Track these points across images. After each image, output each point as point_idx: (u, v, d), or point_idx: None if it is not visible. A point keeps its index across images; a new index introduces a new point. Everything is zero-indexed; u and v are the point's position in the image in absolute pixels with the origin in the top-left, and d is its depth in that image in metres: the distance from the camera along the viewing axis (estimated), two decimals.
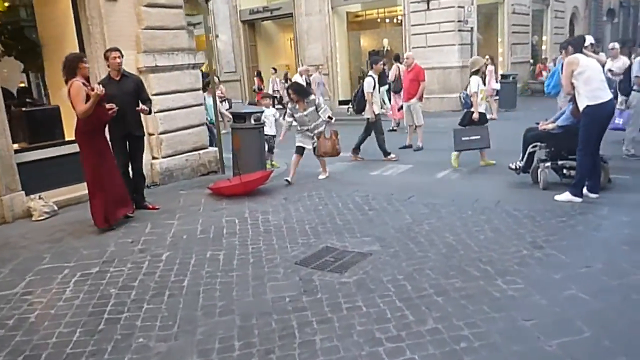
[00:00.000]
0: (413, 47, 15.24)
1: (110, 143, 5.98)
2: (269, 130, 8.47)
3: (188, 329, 3.51)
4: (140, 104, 6.10)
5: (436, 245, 4.69)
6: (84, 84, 5.45)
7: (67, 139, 6.86)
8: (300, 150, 7.63)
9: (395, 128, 12.58)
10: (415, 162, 8.72)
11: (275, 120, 8.86)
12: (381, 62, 9.52)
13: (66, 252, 5.08)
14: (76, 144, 5.71)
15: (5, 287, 4.34)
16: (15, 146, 6.49)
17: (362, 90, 8.88)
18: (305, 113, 7.47)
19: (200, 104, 8.38)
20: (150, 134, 7.76)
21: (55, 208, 6.43)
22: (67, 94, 5.43)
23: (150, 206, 6.48)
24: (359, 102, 8.95)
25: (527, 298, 3.57)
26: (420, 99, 9.61)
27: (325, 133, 7.58)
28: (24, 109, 7.07)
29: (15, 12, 7.66)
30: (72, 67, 5.41)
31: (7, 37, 7.67)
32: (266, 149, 8.26)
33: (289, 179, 7.46)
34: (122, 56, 6.03)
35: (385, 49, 16.44)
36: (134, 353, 3.26)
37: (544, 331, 3.13)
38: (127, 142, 6.19)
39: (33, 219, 6.25)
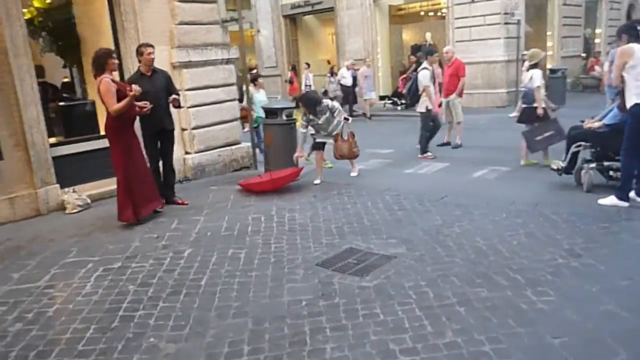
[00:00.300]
0: (456, 41, 14.77)
1: (142, 138, 6.03)
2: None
3: (199, 331, 3.44)
4: (173, 95, 6.13)
5: (465, 250, 4.45)
6: (112, 80, 5.49)
7: (101, 133, 6.95)
8: (320, 146, 7.42)
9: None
10: (453, 160, 8.40)
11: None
12: (436, 54, 8.99)
13: (92, 246, 5.13)
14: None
15: (29, 280, 4.41)
16: (52, 140, 6.65)
17: (417, 83, 8.46)
18: (320, 121, 7.27)
19: (233, 99, 8.34)
20: (182, 129, 7.81)
21: (89, 201, 6.54)
22: (97, 90, 5.48)
23: (180, 201, 6.50)
24: (413, 95, 8.55)
25: (558, 312, 3.29)
26: (460, 94, 9.24)
27: (343, 134, 7.38)
28: (61, 103, 7.22)
29: (56, 9, 7.82)
30: (101, 63, 5.43)
31: (48, 33, 7.85)
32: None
33: (317, 181, 7.29)
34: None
35: (427, 42, 15.98)
36: (143, 353, 3.22)
37: (574, 351, 2.86)
38: (159, 137, 6.21)
39: (66, 212, 6.38)
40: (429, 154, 8.60)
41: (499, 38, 14.20)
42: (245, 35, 23.09)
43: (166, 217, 5.97)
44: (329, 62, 20.02)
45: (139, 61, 6.03)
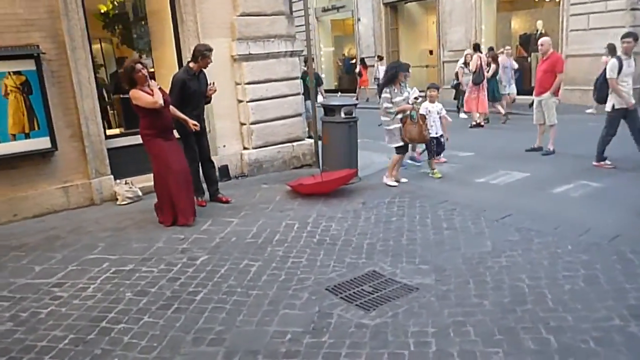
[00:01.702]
0: (571, 30, 13.06)
1: (181, 139, 5.89)
2: (431, 129, 7.19)
3: (165, 357, 3.15)
4: (212, 85, 6.04)
5: (501, 290, 3.68)
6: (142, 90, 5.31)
7: None
8: (403, 150, 6.93)
9: (482, 123, 11.67)
10: (537, 169, 7.29)
11: (440, 117, 7.47)
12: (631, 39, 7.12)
13: (118, 244, 5.10)
14: None
15: (45, 275, 4.45)
16: (109, 132, 6.80)
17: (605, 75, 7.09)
18: (402, 97, 6.71)
19: (297, 94, 7.98)
20: (241, 124, 7.64)
21: (140, 194, 6.60)
22: (131, 105, 5.40)
23: (224, 199, 6.31)
24: (600, 89, 7.25)
25: None
26: (556, 93, 7.99)
27: (412, 116, 6.71)
28: (121, 96, 7.37)
29: (129, 2, 8.01)
30: (129, 78, 5.27)
31: (122, 27, 8.08)
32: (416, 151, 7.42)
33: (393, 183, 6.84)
34: None
35: (538, 32, 14.33)
36: None
37: None
38: (196, 137, 6.03)
39: (117, 203, 6.49)
40: (607, 162, 7.10)
41: (622, 27, 12.25)
42: (345, 23, 22.80)
43: (203, 216, 5.80)
44: (431, 53, 18.96)
45: (196, 61, 5.84)
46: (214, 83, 6.03)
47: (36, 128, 5.89)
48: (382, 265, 4.31)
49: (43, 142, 5.95)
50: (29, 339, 3.43)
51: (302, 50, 8.02)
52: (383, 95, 6.74)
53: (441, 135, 7.48)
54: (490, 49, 13.06)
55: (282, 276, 4.19)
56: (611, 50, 10.09)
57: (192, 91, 5.83)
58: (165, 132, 5.50)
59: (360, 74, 19.35)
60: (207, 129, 6.97)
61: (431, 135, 7.11)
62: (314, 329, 3.36)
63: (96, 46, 8.16)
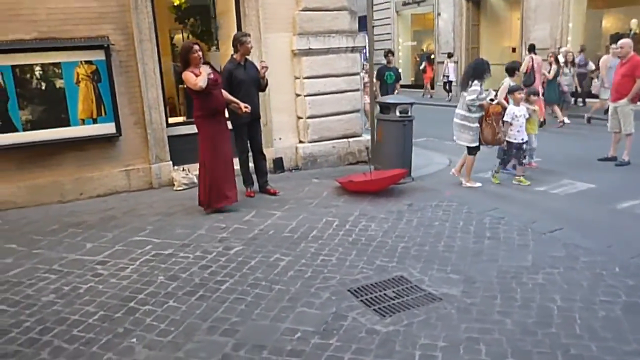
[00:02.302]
0: None
1: (233, 130, 6.05)
2: (518, 134, 6.80)
3: (179, 342, 3.28)
4: (263, 63, 6.16)
5: (528, 309, 3.46)
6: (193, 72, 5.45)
7: None
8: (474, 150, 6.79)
9: None
10: (604, 181, 6.76)
11: (527, 119, 6.96)
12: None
13: (164, 228, 5.36)
14: None
15: (94, 252, 4.78)
16: (171, 120, 7.13)
17: None
18: (484, 95, 6.61)
19: (356, 90, 7.92)
20: (298, 117, 7.72)
21: (195, 181, 6.83)
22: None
23: (272, 190, 6.43)
24: None
25: None
26: (635, 100, 7.34)
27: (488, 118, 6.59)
28: (185, 86, 7.67)
29: None
30: (185, 59, 5.45)
31: (194, 20, 8.41)
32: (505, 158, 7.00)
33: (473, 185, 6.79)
34: None
35: (632, 31, 13.19)
36: (116, 353, 3.18)
37: None
38: (248, 127, 6.18)
39: (174, 188, 6.82)
40: None
41: None
42: (425, 18, 22.26)
43: (248, 206, 5.96)
44: (513, 51, 18.06)
45: (237, 50, 6.01)
46: (263, 60, 6.09)
47: (103, 114, 6.33)
48: (411, 270, 4.20)
49: (108, 128, 6.38)
50: (65, 312, 3.71)
51: (364, 47, 7.94)
52: (473, 87, 6.50)
53: (523, 143, 6.89)
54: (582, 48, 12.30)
55: (308, 273, 4.21)
56: None
57: (239, 80, 5.96)
58: (216, 114, 5.61)
59: (424, 71, 19.58)
60: (263, 122, 7.13)
61: (517, 141, 6.77)
62: (324, 330, 3.35)
63: (165, 38, 8.52)
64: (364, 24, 7.82)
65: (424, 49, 22.32)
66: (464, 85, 6.63)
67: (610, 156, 7.73)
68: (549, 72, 11.34)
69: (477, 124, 6.64)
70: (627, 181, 6.68)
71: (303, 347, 3.17)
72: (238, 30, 7.17)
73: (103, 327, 3.48)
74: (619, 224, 5.15)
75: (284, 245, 4.80)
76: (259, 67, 6.19)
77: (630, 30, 13.28)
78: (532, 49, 11.98)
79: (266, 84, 6.30)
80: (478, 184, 6.78)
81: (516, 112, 6.82)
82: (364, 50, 8.64)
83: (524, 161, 7.03)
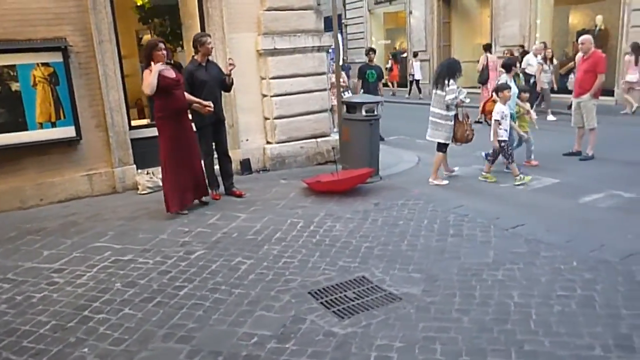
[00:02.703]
0: (632, 26, 12.15)
1: (197, 132, 5.96)
2: (505, 133, 6.71)
3: (133, 350, 3.20)
4: (230, 60, 6.03)
5: (486, 306, 3.47)
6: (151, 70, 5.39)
7: None
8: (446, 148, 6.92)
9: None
10: (568, 175, 6.84)
11: (518, 117, 7.04)
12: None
13: (126, 233, 5.25)
14: None
15: (50, 260, 4.66)
16: (135, 122, 7.00)
17: None
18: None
19: (323, 89, 7.89)
20: (265, 118, 7.66)
21: (160, 184, 6.74)
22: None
23: (237, 192, 6.36)
24: None
25: None
26: (596, 95, 7.45)
27: (459, 116, 6.75)
28: None
29: None
30: (147, 54, 5.43)
31: (159, 20, 8.28)
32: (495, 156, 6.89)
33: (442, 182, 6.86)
34: None
35: (597, 27, 13.43)
36: None
37: None
38: (213, 129, 6.09)
39: (138, 192, 6.70)
40: None
41: None
42: (398, 16, 22.36)
43: (213, 209, 5.89)
44: (485, 49, 18.24)
45: (197, 50, 5.92)
46: (231, 58, 5.99)
47: (62, 117, 6.17)
48: (373, 270, 4.18)
49: (68, 131, 6.23)
50: (16, 322, 3.60)
51: (330, 46, 7.91)
52: (451, 87, 6.53)
53: (506, 141, 6.78)
54: (544, 45, 12.47)
55: (269, 276, 4.16)
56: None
57: (200, 81, 5.87)
58: (178, 115, 5.56)
59: (391, 69, 20.19)
60: (230, 123, 7.06)
61: (504, 139, 6.73)
62: (282, 333, 3.31)
63: (132, 39, 8.37)
64: (330, 24, 7.77)
65: (397, 47, 22.44)
66: (439, 84, 6.64)
67: (575, 151, 7.83)
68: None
69: (452, 122, 6.70)
70: (590, 175, 6.76)
71: (259, 352, 3.12)
72: (202, 30, 7.08)
73: (55, 337, 3.38)
74: (581, 218, 5.20)
75: (247, 248, 4.74)
76: (225, 66, 6.11)
77: (596, 26, 13.52)
78: (487, 48, 12.97)
79: (231, 84, 6.20)
80: (445, 182, 6.82)
81: (505, 110, 6.75)
82: (330, 50, 8.60)
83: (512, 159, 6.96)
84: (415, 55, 18.49)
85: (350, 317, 3.46)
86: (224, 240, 4.97)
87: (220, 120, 6.11)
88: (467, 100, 6.84)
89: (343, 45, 25.92)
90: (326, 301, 3.72)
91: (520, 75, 10.59)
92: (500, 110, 6.72)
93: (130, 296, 3.91)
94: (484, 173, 6.94)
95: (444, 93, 6.55)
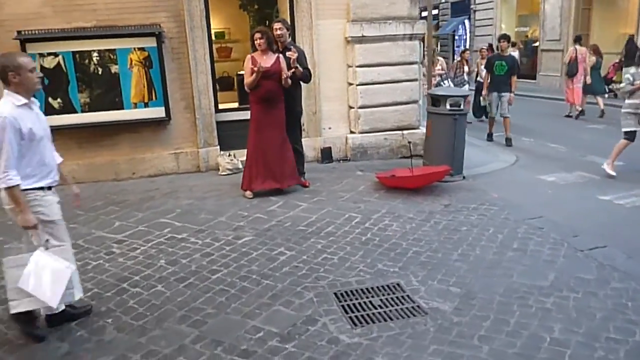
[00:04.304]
0: None
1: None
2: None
3: (147, 327, 3.36)
4: (285, 70, 5.71)
5: (516, 337, 3.06)
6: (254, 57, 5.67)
7: None
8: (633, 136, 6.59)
9: (571, 114, 11.84)
10: None
11: None
12: None
13: (190, 212, 5.52)
14: None
15: (117, 231, 5.07)
16: (222, 106, 7.28)
17: None
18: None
19: (414, 80, 7.51)
20: (350, 107, 7.51)
21: (240, 166, 6.97)
22: None
23: (303, 182, 6.33)
24: None
25: None
26: None
27: None
28: (240, 73, 7.77)
29: None
30: (252, 42, 5.77)
31: (256, 7, 8.48)
32: None
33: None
34: (287, 29, 5.87)
35: None
36: (88, 331, 3.34)
37: None
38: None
39: (219, 173, 7.00)
40: None
41: None
42: (532, 1, 20.58)
43: (280, 196, 5.93)
44: (575, 40, 16.01)
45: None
46: (290, 49, 5.78)
47: (154, 99, 6.63)
48: (411, 278, 3.92)
49: (159, 112, 6.68)
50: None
51: (424, 33, 7.48)
52: (625, 75, 6.51)
53: None
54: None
55: (303, 270, 4.10)
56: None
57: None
58: (268, 101, 5.73)
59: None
60: (312, 110, 7.07)
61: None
62: (288, 333, 3.23)
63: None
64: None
65: (528, 36, 20.65)
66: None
67: None
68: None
69: (628, 110, 6.50)
70: None
71: (257, 348, 3.08)
72: (291, 17, 7.12)
73: (90, 304, 3.66)
74: None
75: (293, 239, 4.72)
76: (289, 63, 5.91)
77: None
78: (577, 40, 12.41)
79: (308, 75, 6.08)
80: (613, 173, 6.54)
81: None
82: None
83: None
84: (513, 44, 16.37)
85: (363, 326, 3.28)
86: (275, 229, 4.99)
87: (290, 111, 6.04)
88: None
89: (470, 32, 24.65)
90: (347, 305, 3.56)
91: None
92: None
93: (169, 274, 4.10)
94: None
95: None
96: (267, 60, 5.66)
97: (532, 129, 10.54)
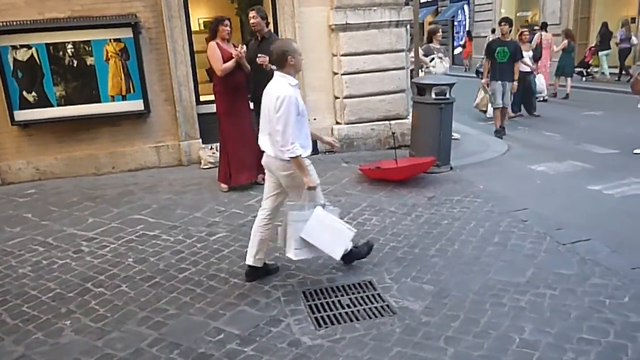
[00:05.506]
0: None
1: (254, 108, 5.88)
2: None
3: (106, 330, 3.25)
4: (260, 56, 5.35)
5: (484, 339, 2.92)
6: (219, 45, 5.48)
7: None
8: None
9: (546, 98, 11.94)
10: None
11: None
12: None
13: (166, 207, 5.39)
14: None
15: (89, 228, 4.93)
16: (203, 98, 7.11)
17: None
18: None
19: (401, 68, 7.31)
20: (335, 97, 7.34)
21: None
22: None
23: None
24: None
25: None
26: None
27: None
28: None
29: None
30: (213, 29, 5.60)
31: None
32: None
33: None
34: (262, 17, 5.65)
35: None
36: (44, 334, 3.22)
37: None
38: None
39: (200, 166, 6.86)
40: None
41: None
42: None
43: (258, 189, 5.77)
44: (633, 21, 15.72)
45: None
46: (261, 55, 5.48)
47: (132, 91, 6.47)
48: (384, 276, 3.78)
49: (137, 105, 6.53)
50: (28, 286, 3.85)
51: (411, 20, 7.27)
52: None
53: None
54: None
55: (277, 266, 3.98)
56: None
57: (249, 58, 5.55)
58: (236, 90, 5.60)
59: (464, 45, 19.87)
60: None
61: None
62: (249, 335, 3.11)
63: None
64: None
65: (529, 20, 20.30)
66: None
67: None
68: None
69: None
70: None
71: (215, 351, 2.96)
72: (272, 5, 6.93)
73: (50, 306, 3.56)
74: None
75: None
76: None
77: None
78: (543, 26, 13.09)
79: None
80: None
81: None
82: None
83: None
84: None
85: (327, 327, 3.15)
86: (250, 224, 4.67)
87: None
88: None
89: (470, 17, 24.29)
90: (315, 304, 3.43)
91: None
92: None
93: (135, 273, 3.98)
94: None
95: None
96: (231, 49, 5.50)
97: (526, 116, 10.38)
